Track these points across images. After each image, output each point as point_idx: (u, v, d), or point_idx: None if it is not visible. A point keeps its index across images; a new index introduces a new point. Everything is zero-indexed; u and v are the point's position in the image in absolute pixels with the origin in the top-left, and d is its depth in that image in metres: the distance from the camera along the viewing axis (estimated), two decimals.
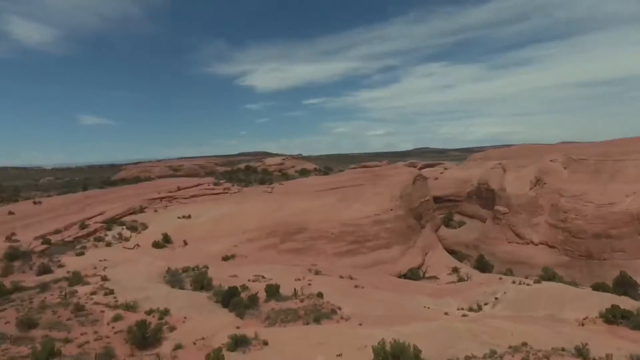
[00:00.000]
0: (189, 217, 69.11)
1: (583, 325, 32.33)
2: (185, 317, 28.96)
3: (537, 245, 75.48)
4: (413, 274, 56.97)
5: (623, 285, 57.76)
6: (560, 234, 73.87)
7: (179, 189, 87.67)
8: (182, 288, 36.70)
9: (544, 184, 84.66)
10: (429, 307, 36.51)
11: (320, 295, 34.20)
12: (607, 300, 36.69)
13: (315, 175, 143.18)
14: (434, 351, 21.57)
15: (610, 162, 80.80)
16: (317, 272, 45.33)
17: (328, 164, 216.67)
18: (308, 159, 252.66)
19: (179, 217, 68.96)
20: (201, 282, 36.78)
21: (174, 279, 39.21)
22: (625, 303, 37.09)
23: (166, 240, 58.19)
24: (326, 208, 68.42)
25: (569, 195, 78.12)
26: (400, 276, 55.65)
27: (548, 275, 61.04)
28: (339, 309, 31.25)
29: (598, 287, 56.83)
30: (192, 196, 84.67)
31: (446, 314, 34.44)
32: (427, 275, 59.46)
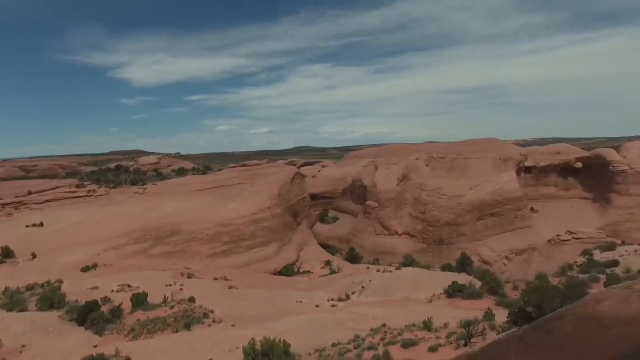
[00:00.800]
0: (41, 224, 61.17)
1: (431, 301, 37.11)
2: (23, 346, 24.24)
3: (400, 235, 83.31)
4: (288, 270, 58.67)
5: (463, 264, 67.82)
6: (419, 224, 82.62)
7: (30, 192, 77.00)
8: (23, 310, 31.31)
9: (409, 179, 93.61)
10: (301, 301, 38.03)
11: (192, 299, 33.26)
12: (450, 278, 42.59)
13: (193, 174, 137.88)
14: (303, 343, 22.60)
15: (461, 160, 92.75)
16: (189, 276, 43.91)
17: (208, 163, 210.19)
18: (186, 157, 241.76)
19: (27, 226, 60.59)
20: (50, 300, 31.87)
21: (12, 300, 33.30)
22: (463, 278, 43.63)
23: (6, 254, 50.64)
24: (202, 208, 66.56)
25: (428, 190, 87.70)
26: (276, 273, 56.85)
27: (408, 261, 68.31)
28: (212, 312, 30.78)
29: (445, 267, 65.74)
30: (47, 200, 75.04)
31: (317, 306, 36.26)
32: (301, 270, 61.70)
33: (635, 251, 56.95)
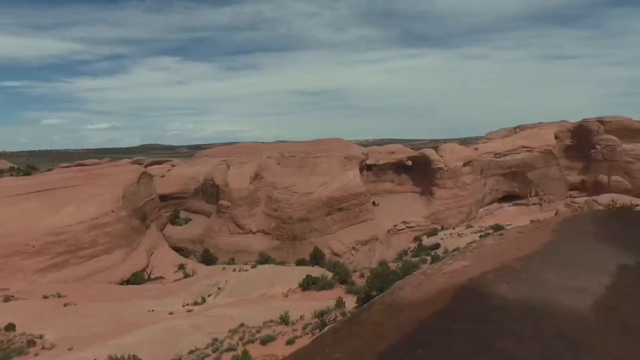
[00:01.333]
0: None
1: (287, 296, 38.43)
2: None
3: (255, 233, 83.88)
4: (137, 278, 54.11)
5: (316, 258, 71.88)
6: (273, 221, 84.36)
7: None
8: None
9: (262, 178, 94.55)
10: (153, 310, 35.54)
11: (10, 327, 28.17)
12: (305, 272, 44.69)
13: (12, 175, 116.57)
14: (158, 355, 21.23)
15: (311, 158, 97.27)
16: (7, 299, 37.23)
17: (33, 162, 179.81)
18: (2, 155, 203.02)
19: None
20: None
21: None
22: (316, 271, 46.32)
23: None
24: (25, 215, 56.83)
25: (281, 187, 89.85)
26: (123, 282, 51.96)
27: (263, 259, 69.24)
28: (40, 337, 26.60)
29: (300, 262, 68.72)
30: None
31: (171, 313, 34.31)
32: (152, 276, 57.60)
33: (451, 234, 67.81)
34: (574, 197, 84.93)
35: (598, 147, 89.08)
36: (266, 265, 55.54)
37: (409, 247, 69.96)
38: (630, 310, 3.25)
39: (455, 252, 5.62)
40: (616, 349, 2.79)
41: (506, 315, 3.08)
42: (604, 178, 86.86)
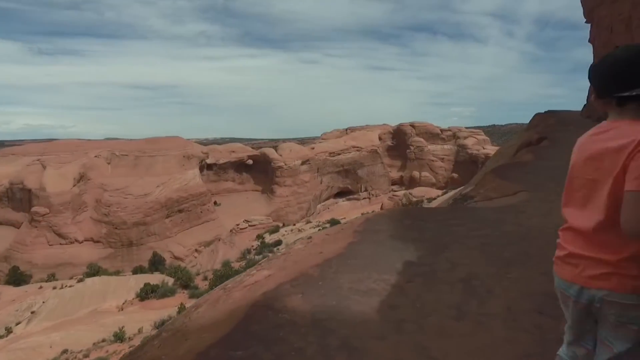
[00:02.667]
0: None
1: (122, 309, 34.71)
2: None
3: (82, 242, 73.83)
4: None
5: (155, 264, 66.88)
6: (104, 227, 75.50)
7: None
8: None
9: (89, 179, 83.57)
10: None
11: None
12: (142, 280, 40.92)
13: None
14: None
15: (147, 157, 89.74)
16: None
17: None
18: None
19: None
20: None
21: None
22: (156, 278, 42.91)
23: None
24: None
25: (112, 190, 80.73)
26: None
27: (93, 270, 61.23)
28: None
29: (137, 270, 62.93)
30: None
31: None
32: None
33: (292, 230, 70.66)
34: (395, 191, 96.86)
35: (411, 147, 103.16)
36: (96, 278, 49.14)
37: (252, 246, 70.46)
38: (406, 306, 3.46)
39: (266, 259, 5.51)
40: (389, 348, 2.88)
41: (295, 332, 2.95)
42: (416, 174, 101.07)
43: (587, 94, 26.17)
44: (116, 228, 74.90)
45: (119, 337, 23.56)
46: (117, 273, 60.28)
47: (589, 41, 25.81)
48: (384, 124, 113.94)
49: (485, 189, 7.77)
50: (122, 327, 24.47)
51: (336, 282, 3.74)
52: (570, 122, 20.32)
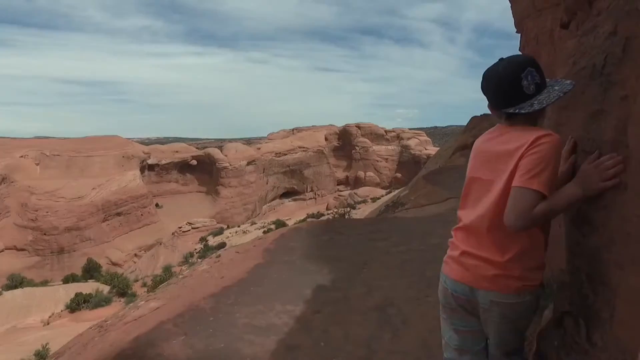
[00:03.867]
0: None
1: (49, 324, 31.89)
2: None
3: (2, 251, 67.73)
4: None
5: (90, 271, 62.52)
6: (31, 234, 69.71)
7: None
8: None
9: (12, 182, 76.81)
10: None
11: None
12: (74, 289, 37.89)
13: None
14: None
15: (81, 158, 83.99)
16: None
17: None
18: None
19: None
20: None
21: None
22: (89, 287, 39.99)
23: None
24: None
25: (40, 193, 74.71)
26: None
27: (15, 282, 56.13)
28: None
29: (69, 279, 58.48)
30: None
31: None
32: None
33: (236, 232, 68.92)
34: (341, 191, 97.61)
35: (357, 148, 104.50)
36: (17, 290, 44.86)
37: (195, 249, 68.04)
38: (308, 346, 2.93)
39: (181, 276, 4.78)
40: None
41: None
42: (361, 174, 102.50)
43: None
44: (45, 234, 69.37)
45: (42, 355, 21.42)
46: (44, 283, 55.71)
47: (520, 50, 27.17)
48: (330, 125, 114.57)
49: (417, 196, 7.51)
50: (47, 344, 22.28)
51: (231, 317, 3.13)
52: None
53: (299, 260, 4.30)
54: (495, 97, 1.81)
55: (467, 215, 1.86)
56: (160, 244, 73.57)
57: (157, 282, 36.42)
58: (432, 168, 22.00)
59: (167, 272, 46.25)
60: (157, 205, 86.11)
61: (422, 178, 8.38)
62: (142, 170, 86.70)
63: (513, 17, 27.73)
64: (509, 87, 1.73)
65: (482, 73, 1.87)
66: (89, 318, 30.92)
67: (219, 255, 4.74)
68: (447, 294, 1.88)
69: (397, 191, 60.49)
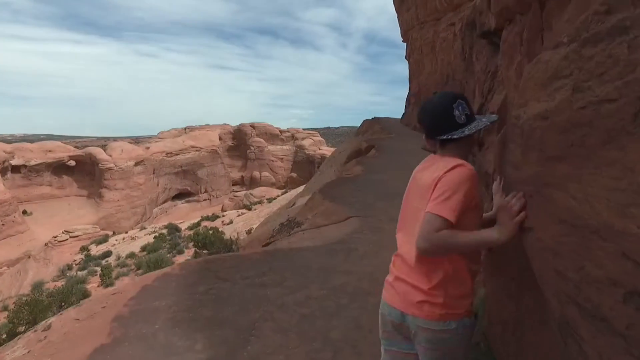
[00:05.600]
0: None
1: None
2: None
3: None
4: None
5: None
6: None
7: None
8: None
9: None
10: None
11: None
12: None
13: None
14: None
15: None
16: None
17: None
18: None
19: None
20: None
21: None
22: None
23: None
24: None
25: None
26: None
27: None
28: None
29: None
30: None
31: None
32: None
33: (124, 239, 62.55)
34: (236, 192, 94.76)
35: (252, 147, 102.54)
36: None
37: (75, 260, 60.31)
38: None
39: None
40: None
41: None
42: (257, 174, 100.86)
43: (405, 105, 28.80)
44: None
45: None
46: None
47: (405, 58, 28.56)
48: (225, 124, 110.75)
49: (314, 214, 6.67)
50: None
51: None
52: (392, 130, 21.71)
53: (163, 330, 3.08)
54: (429, 125, 1.93)
55: (402, 242, 1.92)
56: (29, 257, 63.63)
57: (20, 305, 30.83)
58: (327, 171, 21.67)
59: (38, 290, 39.87)
60: (24, 212, 74.49)
61: (319, 192, 7.57)
62: (3, 172, 74.19)
63: (400, 27, 28.96)
64: (442, 116, 1.87)
65: (420, 106, 2.01)
66: None
67: (49, 326, 3.29)
68: (384, 319, 1.93)
69: (292, 192, 60.29)
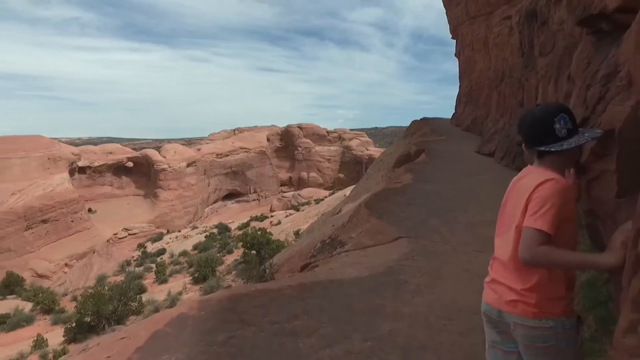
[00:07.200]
0: None
1: None
2: None
3: None
4: None
5: (9, 285, 55.76)
6: None
7: None
8: None
9: None
10: None
11: None
12: None
13: None
14: None
15: None
16: None
17: None
18: None
19: None
20: None
21: None
22: (5, 306, 35.02)
23: None
24: None
25: None
26: None
27: None
28: None
29: None
30: None
31: None
32: None
33: (177, 237, 64.76)
34: (284, 192, 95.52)
35: (299, 148, 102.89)
36: None
37: (133, 256, 63.28)
38: None
39: None
40: None
41: None
42: (304, 175, 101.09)
43: (454, 104, 27.29)
44: None
45: None
46: None
47: (455, 55, 27.18)
48: (272, 125, 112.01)
49: (358, 233, 5.94)
50: None
51: None
52: (443, 131, 20.43)
53: None
54: (527, 135, 1.98)
55: (498, 246, 2.04)
56: (94, 252, 67.53)
57: (85, 297, 32.32)
58: (374, 175, 20.74)
59: (101, 284, 41.94)
60: (90, 210, 79.25)
61: (365, 207, 6.81)
62: (71, 173, 79.30)
63: (449, 23, 27.47)
64: (541, 128, 1.90)
65: (522, 115, 2.07)
66: (6, 342, 26.62)
67: None
68: (486, 317, 2.06)
69: (340, 193, 59.57)
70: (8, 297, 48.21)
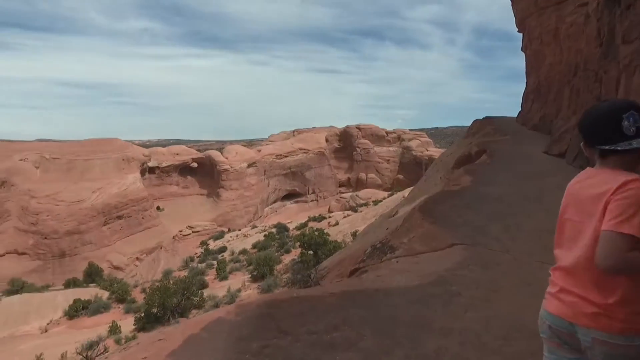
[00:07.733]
0: None
1: (47, 331, 30.30)
2: None
3: (3, 256, 66.31)
4: None
5: (92, 275, 60.96)
6: (32, 237, 68.25)
7: None
8: None
9: (12, 186, 75.43)
10: None
11: None
12: (72, 295, 36.13)
13: None
14: None
15: (81, 161, 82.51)
16: None
17: None
18: None
19: None
20: None
21: None
22: (88, 292, 38.23)
23: None
24: None
25: (41, 196, 73.26)
26: None
27: (16, 287, 54.60)
28: None
29: (70, 283, 57.00)
30: None
31: None
32: None
33: (237, 236, 67.11)
34: (343, 193, 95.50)
35: (358, 149, 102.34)
36: (15, 297, 43.20)
37: (196, 253, 66.52)
38: None
39: None
40: None
41: None
42: (363, 176, 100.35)
43: (520, 101, 25.65)
44: (46, 238, 67.83)
45: None
46: (46, 288, 54.11)
47: (522, 50, 25.72)
48: (331, 126, 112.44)
49: (410, 238, 5.62)
50: (41, 354, 20.77)
51: None
52: (507, 131, 19.24)
53: None
54: (590, 131, 1.82)
55: (564, 255, 1.87)
56: (161, 247, 71.86)
57: (153, 289, 34.48)
58: (433, 176, 19.95)
59: (165, 278, 44.55)
60: (158, 208, 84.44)
61: (419, 211, 6.45)
62: (142, 173, 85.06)
63: (514, 16, 25.82)
64: (608, 125, 1.74)
65: (585, 110, 1.92)
66: (88, 325, 29.19)
67: None
68: (548, 329, 1.87)
69: (399, 194, 58.31)
70: (90, 285, 52.86)
